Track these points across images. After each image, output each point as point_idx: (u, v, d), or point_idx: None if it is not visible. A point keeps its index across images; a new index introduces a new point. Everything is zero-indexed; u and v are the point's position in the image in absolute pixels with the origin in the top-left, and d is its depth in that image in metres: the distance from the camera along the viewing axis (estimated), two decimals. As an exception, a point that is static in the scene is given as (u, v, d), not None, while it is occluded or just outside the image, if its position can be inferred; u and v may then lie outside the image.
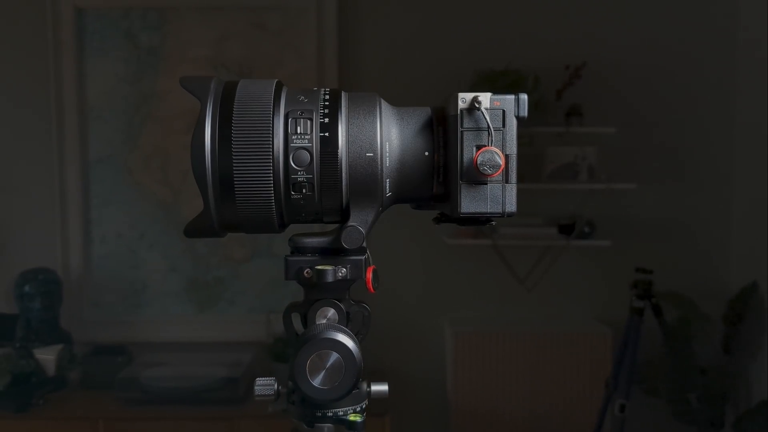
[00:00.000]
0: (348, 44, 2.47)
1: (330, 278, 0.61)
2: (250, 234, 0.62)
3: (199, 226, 0.60)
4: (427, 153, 0.61)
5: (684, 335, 2.33)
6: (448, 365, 2.46)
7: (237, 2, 2.50)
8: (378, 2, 2.51)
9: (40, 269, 2.35)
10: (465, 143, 0.59)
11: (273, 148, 0.58)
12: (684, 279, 2.42)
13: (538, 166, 2.44)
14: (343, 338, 0.59)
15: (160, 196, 2.51)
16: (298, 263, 0.62)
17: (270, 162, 0.58)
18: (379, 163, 0.60)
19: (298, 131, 0.59)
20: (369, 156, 0.60)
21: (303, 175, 0.59)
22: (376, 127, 0.60)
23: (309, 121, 0.59)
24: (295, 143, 0.58)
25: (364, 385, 0.65)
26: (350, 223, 0.61)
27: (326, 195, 0.60)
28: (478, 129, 0.59)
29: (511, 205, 0.60)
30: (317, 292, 0.63)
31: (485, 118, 0.59)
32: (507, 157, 0.59)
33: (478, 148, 0.59)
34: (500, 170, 0.58)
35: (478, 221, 0.61)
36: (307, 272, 0.62)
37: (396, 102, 0.64)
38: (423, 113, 0.62)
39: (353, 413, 0.64)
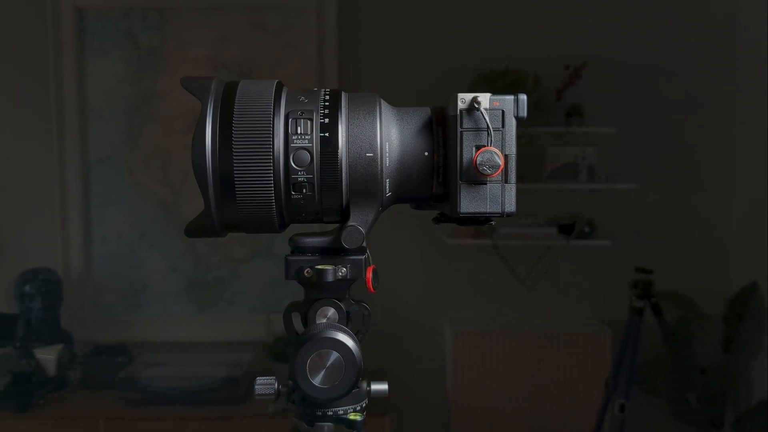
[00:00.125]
0: (348, 44, 2.47)
1: (330, 278, 0.61)
2: (250, 234, 0.63)
3: (199, 226, 0.60)
4: (426, 153, 0.61)
5: (684, 335, 2.33)
6: (448, 365, 2.47)
7: (237, 2, 2.50)
8: (378, 2, 2.51)
9: (40, 269, 2.35)
10: (464, 143, 0.59)
11: (273, 148, 0.58)
12: (684, 279, 2.43)
13: (538, 166, 2.44)
14: (343, 337, 0.59)
15: (160, 196, 2.51)
16: (298, 263, 0.62)
17: (270, 162, 0.58)
18: (379, 163, 0.60)
19: (299, 131, 0.59)
20: (369, 156, 0.60)
21: (303, 175, 0.59)
22: (376, 128, 0.60)
23: (309, 122, 0.59)
24: (296, 143, 0.59)
25: (364, 385, 0.65)
26: (350, 222, 0.61)
27: (326, 195, 0.60)
28: (478, 129, 0.59)
29: (511, 205, 0.60)
30: (317, 291, 0.63)
31: (484, 119, 0.59)
32: (506, 157, 0.60)
33: (478, 148, 0.59)
34: (499, 170, 0.59)
35: (478, 221, 0.61)
36: (307, 272, 0.62)
37: (396, 102, 0.64)
38: (423, 113, 0.62)
39: (353, 412, 0.64)
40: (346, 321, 0.64)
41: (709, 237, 2.55)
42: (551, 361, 2.39)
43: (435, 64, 2.45)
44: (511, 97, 0.60)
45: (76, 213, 2.48)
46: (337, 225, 0.63)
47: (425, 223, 0.71)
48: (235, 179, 0.58)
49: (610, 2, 2.49)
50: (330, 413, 0.63)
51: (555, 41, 2.46)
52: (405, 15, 2.51)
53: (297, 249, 0.63)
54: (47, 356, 2.25)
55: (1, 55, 2.48)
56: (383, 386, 0.67)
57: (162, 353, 2.42)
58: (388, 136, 0.61)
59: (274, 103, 0.59)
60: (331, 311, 0.63)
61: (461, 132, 0.59)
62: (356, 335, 0.62)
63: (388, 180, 0.61)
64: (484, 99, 0.59)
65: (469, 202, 0.60)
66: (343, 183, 0.60)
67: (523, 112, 0.60)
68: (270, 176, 0.58)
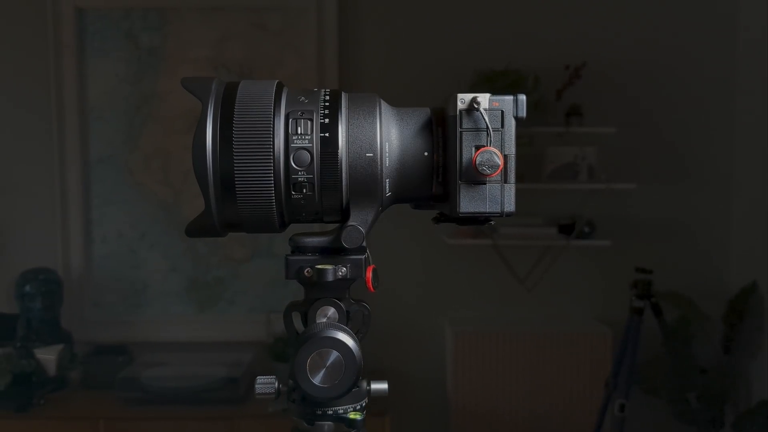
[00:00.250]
0: (348, 44, 2.47)
1: (330, 277, 0.61)
2: (250, 234, 0.63)
3: (200, 226, 0.61)
4: (426, 153, 0.61)
5: (684, 335, 2.33)
6: (448, 365, 2.47)
7: (237, 3, 2.50)
8: (378, 2, 2.51)
9: (40, 269, 2.35)
10: (464, 143, 0.60)
11: (274, 148, 0.58)
12: (684, 279, 2.43)
13: (538, 166, 2.44)
14: (343, 337, 0.59)
15: (160, 197, 2.51)
16: (298, 262, 0.63)
17: (271, 162, 0.58)
18: (379, 163, 0.60)
19: (299, 132, 0.59)
20: (369, 156, 0.60)
21: (303, 175, 0.59)
22: (375, 128, 0.60)
23: (309, 122, 0.59)
24: (296, 143, 0.59)
25: (364, 384, 0.66)
26: (350, 222, 0.61)
27: (326, 195, 0.60)
28: (477, 129, 0.60)
29: (510, 205, 0.61)
30: (317, 291, 0.63)
31: (484, 119, 0.59)
32: (506, 157, 0.60)
33: (477, 148, 0.59)
34: (499, 170, 0.59)
35: (477, 221, 0.62)
36: (307, 271, 0.62)
37: (396, 102, 0.64)
38: (422, 114, 0.63)
39: (353, 411, 0.64)
40: (346, 320, 0.64)
41: (709, 237, 2.55)
42: (551, 361, 2.39)
43: (435, 64, 2.46)
44: (510, 98, 0.60)
45: (77, 213, 2.48)
46: (337, 225, 0.63)
47: (425, 223, 0.72)
48: (236, 179, 0.58)
49: (610, 2, 2.49)
50: (330, 412, 0.63)
51: (555, 41, 2.46)
52: (405, 15, 2.51)
53: (297, 249, 0.63)
54: (47, 356, 2.25)
55: (2, 55, 2.48)
56: (383, 385, 0.67)
57: (162, 353, 2.42)
58: (387, 136, 0.61)
59: (274, 104, 0.59)
60: (331, 311, 0.63)
61: (461, 132, 0.60)
62: (356, 335, 0.62)
63: (387, 180, 0.61)
64: (484, 99, 0.59)
65: (468, 202, 0.60)
66: (343, 183, 0.60)
67: (523, 113, 0.60)
68: (270, 176, 0.58)
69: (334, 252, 0.63)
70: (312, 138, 0.59)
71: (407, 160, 0.61)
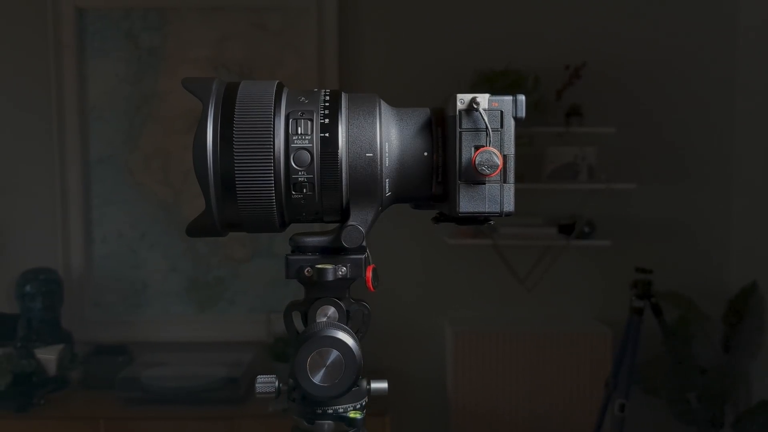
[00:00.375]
0: (348, 44, 2.48)
1: (330, 277, 0.62)
2: (251, 233, 0.63)
3: (200, 226, 0.61)
4: (426, 153, 0.62)
5: (684, 335, 2.33)
6: (448, 365, 2.47)
7: (237, 3, 2.50)
8: (378, 2, 2.51)
9: (41, 269, 2.35)
10: (463, 144, 0.60)
11: (274, 148, 0.59)
12: (684, 279, 2.43)
13: (538, 166, 2.45)
14: (343, 336, 0.59)
15: (160, 197, 2.51)
16: (298, 262, 0.63)
17: (271, 162, 0.58)
18: (379, 163, 0.60)
19: (299, 132, 0.59)
20: (369, 156, 0.60)
21: (303, 175, 0.59)
22: (375, 128, 0.61)
23: (309, 122, 0.59)
24: (296, 143, 0.59)
25: (364, 383, 0.66)
26: (350, 222, 0.61)
27: (326, 195, 0.60)
28: (477, 130, 0.60)
29: (509, 205, 0.61)
30: (317, 290, 0.64)
31: (483, 119, 0.59)
32: (505, 157, 0.60)
33: (477, 148, 0.59)
34: (498, 170, 0.59)
35: (477, 221, 0.62)
36: (307, 271, 0.62)
37: (397, 102, 0.65)
38: (422, 114, 0.63)
39: (353, 410, 0.64)
40: (346, 320, 0.64)
41: (709, 237, 2.55)
42: (551, 361, 2.39)
43: (435, 64, 2.46)
44: (509, 98, 0.60)
45: (77, 213, 2.48)
46: (337, 224, 0.63)
47: (425, 223, 0.72)
48: (236, 179, 0.58)
49: (610, 2, 2.49)
50: (330, 411, 0.63)
51: (555, 41, 2.47)
52: (405, 15, 2.51)
53: (297, 248, 0.63)
54: (48, 356, 2.25)
55: (2, 55, 2.48)
56: (383, 384, 0.67)
57: (162, 353, 2.43)
58: (387, 136, 0.61)
59: (274, 104, 0.59)
60: (332, 310, 0.64)
61: (460, 132, 0.60)
62: (356, 334, 0.62)
63: (387, 180, 0.61)
64: (483, 100, 0.60)
65: (468, 202, 0.60)
66: (343, 183, 0.60)
67: (522, 113, 0.60)
68: (271, 176, 0.58)
69: (334, 252, 0.63)
70: (312, 138, 0.59)
71: (407, 160, 0.62)
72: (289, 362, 0.74)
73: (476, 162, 0.59)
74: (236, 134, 0.58)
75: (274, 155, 0.58)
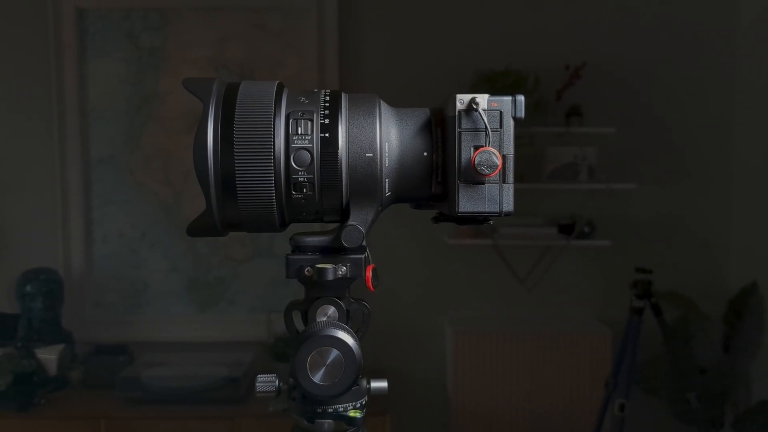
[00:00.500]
0: (349, 45, 2.48)
1: (330, 276, 0.62)
2: (251, 233, 0.63)
3: (201, 225, 0.61)
4: (425, 153, 0.62)
5: (684, 335, 2.34)
6: (448, 365, 2.47)
7: (238, 3, 2.51)
8: (378, 2, 2.51)
9: (41, 269, 2.36)
10: (463, 144, 0.60)
11: (274, 148, 0.59)
12: (684, 279, 2.43)
13: (538, 166, 2.45)
14: (343, 335, 0.60)
15: (161, 197, 2.52)
16: (298, 262, 0.63)
17: (271, 162, 0.59)
18: (379, 163, 0.61)
19: (299, 132, 0.59)
20: (369, 156, 0.60)
21: (304, 175, 0.59)
22: (375, 128, 0.61)
23: (310, 122, 0.60)
24: (296, 144, 0.59)
25: (364, 382, 0.66)
26: (350, 222, 0.62)
27: (326, 195, 0.61)
28: (476, 130, 0.60)
29: (508, 205, 0.61)
30: (318, 290, 0.64)
31: (483, 119, 0.60)
32: (504, 157, 0.60)
33: (476, 148, 0.60)
34: (497, 170, 0.59)
35: (476, 220, 0.62)
36: (307, 270, 0.63)
37: (397, 102, 0.65)
38: (422, 114, 0.63)
39: (353, 409, 0.64)
40: (346, 319, 0.64)
41: (709, 237, 2.55)
42: (551, 361, 2.39)
43: (435, 64, 2.46)
44: (508, 98, 0.60)
45: (77, 213, 2.48)
46: (337, 224, 0.63)
47: (425, 223, 0.72)
48: (237, 179, 0.59)
49: (610, 2, 2.49)
50: (330, 410, 0.64)
51: (555, 41, 2.47)
52: (405, 15, 2.52)
53: (297, 248, 0.64)
54: (48, 356, 2.26)
55: (2, 55, 2.48)
56: (383, 384, 0.67)
57: (163, 353, 2.43)
58: (387, 136, 0.61)
59: (275, 104, 0.60)
60: (332, 309, 0.64)
61: (460, 132, 0.60)
62: (356, 333, 0.62)
63: (387, 180, 0.61)
64: (482, 100, 0.60)
65: (467, 202, 0.61)
66: (343, 183, 0.60)
67: (521, 113, 0.61)
68: (271, 176, 0.59)
69: (334, 251, 0.63)
70: (312, 138, 0.59)
71: (407, 160, 0.62)
72: (290, 361, 0.74)
73: (476, 162, 0.59)
74: (237, 134, 0.59)
75: (274, 155, 0.59)
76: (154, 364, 2.34)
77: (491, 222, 0.63)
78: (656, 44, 2.48)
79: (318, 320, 0.63)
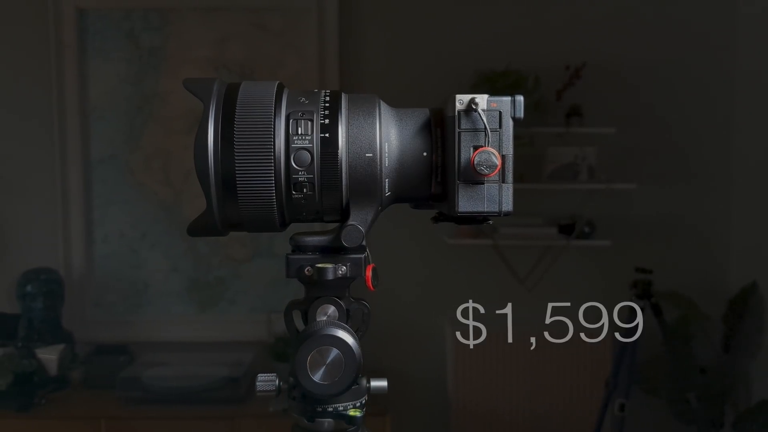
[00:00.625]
0: (349, 45, 2.48)
1: (330, 276, 0.62)
2: (251, 233, 0.64)
3: (201, 225, 0.61)
4: (425, 153, 0.62)
5: (684, 335, 2.34)
6: (448, 365, 2.47)
7: (238, 3, 2.51)
8: (379, 2, 2.52)
9: (42, 269, 2.36)
10: (462, 144, 0.60)
11: (274, 148, 0.59)
12: (684, 279, 2.43)
13: (538, 166, 2.45)
14: (343, 335, 0.60)
15: (161, 197, 2.52)
16: (299, 261, 0.63)
17: (271, 162, 0.59)
18: (379, 163, 0.61)
19: (299, 132, 0.60)
20: (368, 156, 0.61)
21: (304, 175, 0.60)
22: (375, 128, 0.61)
23: (310, 122, 0.60)
24: (296, 144, 0.59)
25: (364, 381, 0.66)
26: (350, 222, 0.62)
27: (326, 194, 0.61)
28: (476, 130, 0.60)
29: (508, 205, 0.61)
30: (318, 289, 0.64)
31: (482, 120, 0.60)
32: (504, 157, 0.61)
33: (476, 148, 0.60)
34: (497, 170, 0.60)
35: (476, 220, 0.62)
36: (307, 270, 0.63)
37: (397, 102, 0.65)
38: (421, 114, 0.63)
39: (353, 408, 0.65)
40: (346, 318, 0.65)
41: (710, 237, 2.55)
42: (551, 361, 2.40)
43: (436, 64, 2.46)
44: (508, 99, 0.61)
45: (78, 213, 2.49)
46: (337, 224, 0.64)
47: (425, 223, 0.72)
48: (237, 179, 0.59)
49: (610, 2, 2.49)
50: (330, 409, 0.64)
51: (555, 41, 2.47)
52: (406, 15, 2.52)
53: (298, 248, 0.64)
54: (49, 356, 2.26)
55: (3, 55, 2.48)
56: (383, 383, 0.68)
57: (163, 353, 2.43)
58: (387, 136, 0.62)
59: (275, 105, 0.60)
60: (332, 309, 0.64)
61: (459, 132, 0.60)
62: (356, 332, 0.62)
63: (387, 180, 0.62)
64: (482, 100, 0.60)
65: (466, 202, 0.61)
66: (343, 183, 0.61)
67: (520, 113, 0.61)
68: (271, 176, 0.59)
69: (334, 251, 0.63)
70: (312, 138, 0.60)
71: (406, 160, 0.62)
72: (290, 361, 0.74)
73: (475, 162, 0.59)
74: (237, 134, 0.59)
75: (274, 155, 0.59)
76: (154, 364, 2.34)
77: (491, 222, 0.63)
78: (656, 44, 2.48)
79: (318, 320, 0.63)
